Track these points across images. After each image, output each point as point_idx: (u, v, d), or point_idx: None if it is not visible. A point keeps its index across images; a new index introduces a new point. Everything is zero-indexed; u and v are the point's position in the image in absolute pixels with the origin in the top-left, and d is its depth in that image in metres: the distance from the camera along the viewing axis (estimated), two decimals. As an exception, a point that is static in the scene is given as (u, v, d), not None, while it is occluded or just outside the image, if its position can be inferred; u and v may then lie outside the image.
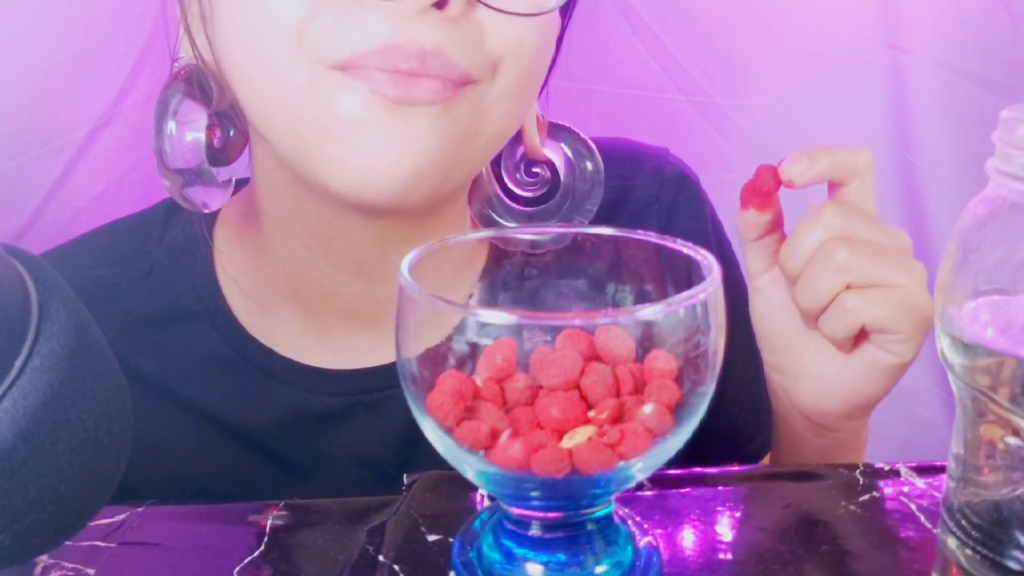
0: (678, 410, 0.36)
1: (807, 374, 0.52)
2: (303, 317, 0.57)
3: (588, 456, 0.34)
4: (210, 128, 0.52)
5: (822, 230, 0.47)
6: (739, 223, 0.50)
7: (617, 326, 0.37)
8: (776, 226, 0.50)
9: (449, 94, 0.44)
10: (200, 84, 0.51)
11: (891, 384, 0.50)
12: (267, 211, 0.55)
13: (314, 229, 0.53)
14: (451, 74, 0.44)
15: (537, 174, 0.58)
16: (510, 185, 0.58)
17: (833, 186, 0.49)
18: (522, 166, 0.58)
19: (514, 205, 0.58)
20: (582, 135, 0.58)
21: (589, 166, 0.57)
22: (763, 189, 0.48)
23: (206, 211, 0.52)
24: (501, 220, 0.58)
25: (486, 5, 0.45)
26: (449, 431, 0.35)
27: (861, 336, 0.48)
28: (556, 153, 0.58)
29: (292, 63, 0.44)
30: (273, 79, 0.46)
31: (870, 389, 0.50)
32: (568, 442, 0.34)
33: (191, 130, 0.50)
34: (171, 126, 0.49)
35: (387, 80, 0.43)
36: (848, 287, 0.46)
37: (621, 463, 0.34)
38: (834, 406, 0.51)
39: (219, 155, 0.52)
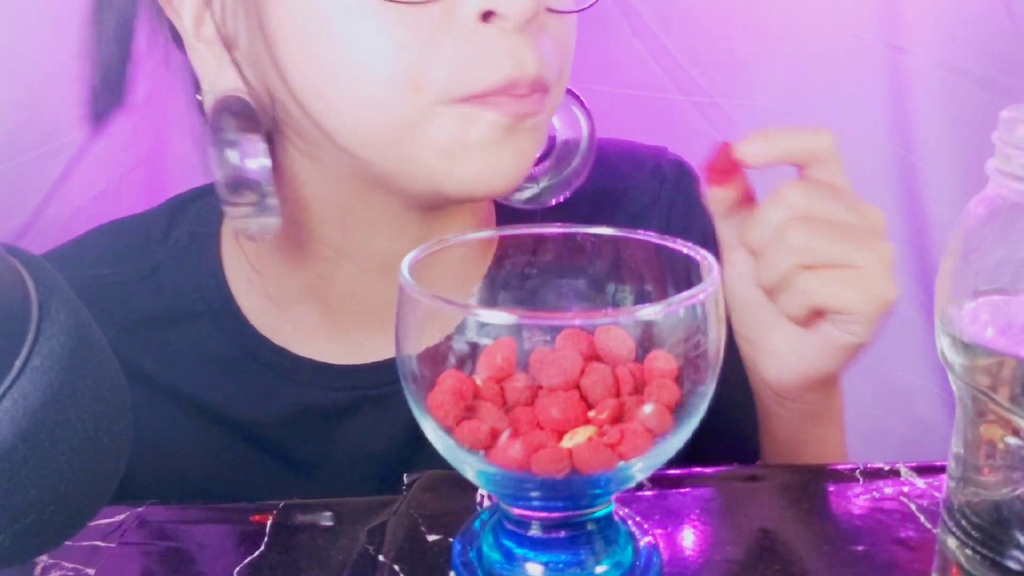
0: (678, 410, 0.36)
1: (770, 348, 0.52)
2: (319, 316, 0.57)
3: (588, 456, 0.34)
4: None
5: (783, 209, 0.47)
6: (707, 198, 0.51)
7: (617, 326, 0.37)
8: (747, 201, 0.50)
9: (540, 107, 0.48)
10: (243, 112, 0.50)
11: (848, 361, 0.50)
12: (299, 219, 0.55)
13: (353, 234, 0.54)
14: (544, 91, 0.48)
15: None
16: None
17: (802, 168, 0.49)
18: None
19: None
20: (574, 91, 0.58)
21: (582, 120, 0.58)
22: (720, 167, 0.48)
23: (268, 238, 0.51)
24: None
25: (553, 11, 0.48)
26: (449, 431, 0.35)
27: (820, 314, 0.48)
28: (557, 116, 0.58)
29: (408, 105, 0.46)
30: (384, 119, 0.47)
31: (828, 365, 0.50)
32: (568, 442, 0.34)
33: (251, 159, 0.49)
34: (233, 157, 0.49)
35: (508, 100, 0.46)
36: (806, 267, 0.46)
37: (621, 463, 0.34)
38: (792, 377, 0.52)
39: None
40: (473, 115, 0.46)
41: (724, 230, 0.52)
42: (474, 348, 0.37)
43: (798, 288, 0.46)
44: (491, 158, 0.48)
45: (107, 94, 0.54)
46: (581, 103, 0.58)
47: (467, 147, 0.47)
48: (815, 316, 0.48)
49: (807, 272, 0.46)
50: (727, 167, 0.48)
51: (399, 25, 0.45)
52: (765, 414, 0.57)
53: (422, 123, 0.46)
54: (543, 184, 0.58)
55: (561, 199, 0.58)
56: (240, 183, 0.49)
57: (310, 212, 0.54)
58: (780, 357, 0.52)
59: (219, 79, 0.50)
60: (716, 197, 0.50)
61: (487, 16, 0.45)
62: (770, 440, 0.58)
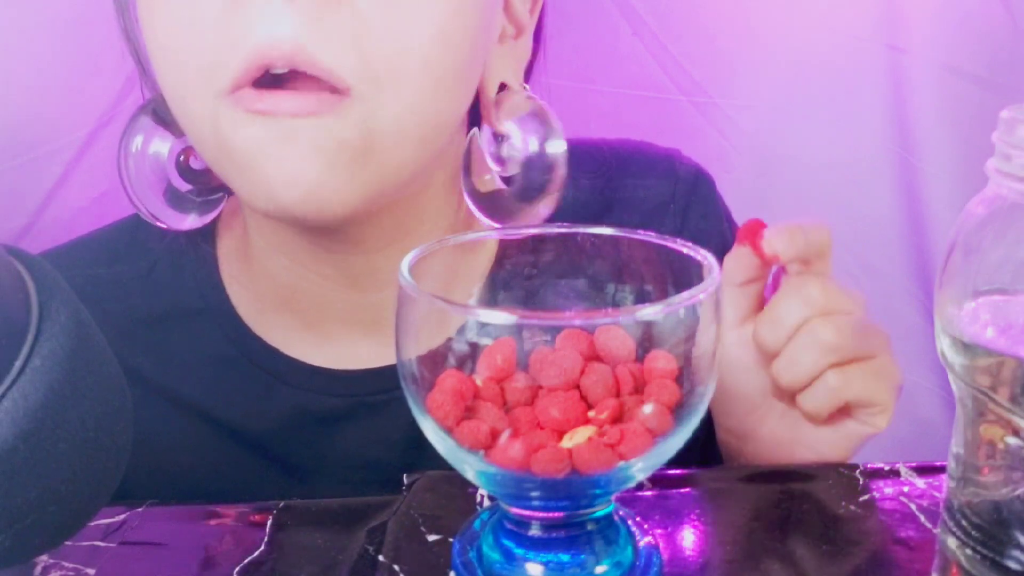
0: (678, 410, 0.36)
1: (768, 440, 0.51)
2: (300, 324, 0.57)
3: (588, 456, 0.34)
4: (189, 149, 0.54)
5: (805, 306, 0.46)
6: (728, 262, 0.49)
7: (617, 326, 0.37)
8: (761, 276, 0.49)
9: (322, 108, 0.43)
10: (160, 111, 0.52)
11: (859, 450, 0.49)
12: (250, 224, 0.56)
13: (296, 241, 0.54)
14: (320, 75, 0.42)
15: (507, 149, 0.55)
16: (488, 161, 0.55)
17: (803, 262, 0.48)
18: (495, 141, 0.55)
19: (500, 184, 0.56)
20: (547, 112, 0.54)
21: (551, 144, 0.54)
22: (750, 240, 0.48)
23: (178, 230, 0.54)
24: (485, 201, 0.56)
25: None
26: (449, 431, 0.35)
27: (844, 410, 0.48)
28: (520, 129, 0.54)
29: (197, 99, 0.45)
30: (187, 117, 0.47)
31: (836, 454, 0.49)
32: (568, 442, 0.34)
33: (155, 149, 0.51)
34: (137, 142, 0.51)
35: (254, 95, 0.43)
36: (835, 364, 0.46)
37: (621, 463, 0.34)
38: (786, 460, 0.51)
39: (201, 176, 0.54)
40: (235, 116, 0.43)
41: (727, 304, 0.49)
42: (474, 348, 0.37)
43: (828, 385, 0.46)
44: (264, 166, 0.44)
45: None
46: (545, 115, 0.54)
47: (241, 152, 0.44)
48: (839, 412, 0.48)
49: (834, 368, 0.46)
50: (754, 243, 0.48)
51: (183, 12, 0.43)
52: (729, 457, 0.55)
53: (212, 123, 0.44)
54: (516, 204, 0.55)
55: (543, 215, 0.55)
56: (138, 172, 0.51)
57: (254, 221, 0.55)
58: (777, 446, 0.51)
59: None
60: (739, 260, 0.48)
61: None
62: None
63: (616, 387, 0.36)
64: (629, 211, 0.62)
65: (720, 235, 0.63)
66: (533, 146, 0.54)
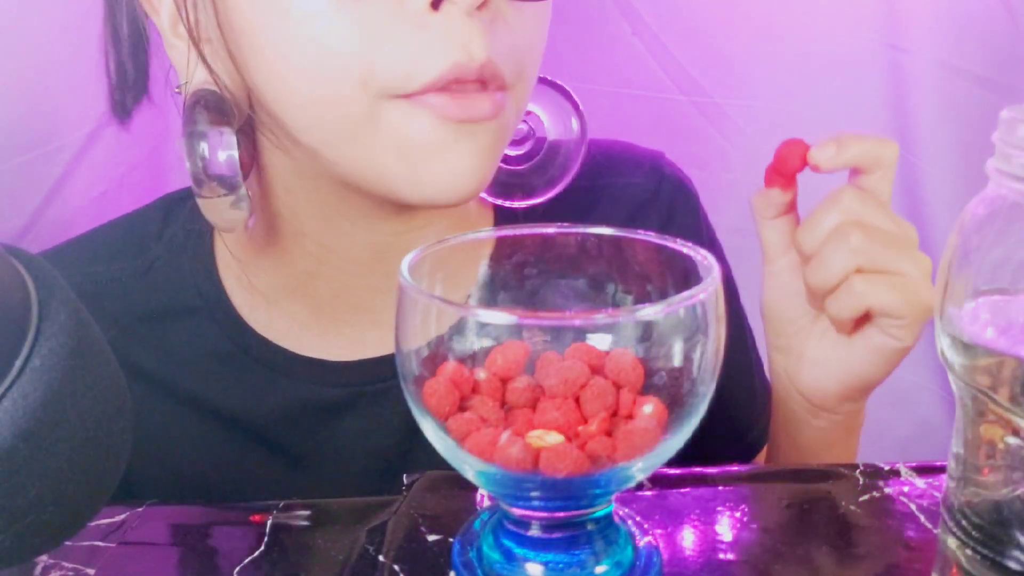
0: (678, 410, 0.36)
1: (810, 357, 0.53)
2: (309, 313, 0.57)
3: (593, 456, 0.34)
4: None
5: (839, 213, 0.48)
6: (757, 202, 0.52)
7: (629, 353, 0.36)
8: (792, 206, 0.52)
9: (500, 107, 0.47)
10: (215, 106, 0.50)
11: (890, 368, 0.51)
12: (280, 212, 0.55)
13: (335, 226, 0.54)
14: (499, 84, 0.46)
15: (521, 130, 0.59)
16: None
17: (854, 172, 0.51)
18: None
19: (504, 166, 0.58)
20: (566, 88, 0.58)
21: (573, 120, 0.58)
22: (788, 169, 0.50)
23: (247, 228, 0.53)
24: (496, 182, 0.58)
25: None
26: (442, 420, 0.35)
27: (864, 320, 0.50)
28: (540, 107, 0.59)
29: (356, 100, 0.45)
30: (336, 114, 0.46)
31: (869, 372, 0.52)
32: (537, 440, 0.34)
33: (220, 151, 0.50)
34: (203, 149, 0.49)
35: (449, 102, 0.45)
36: (858, 271, 0.48)
37: (621, 463, 0.34)
38: (833, 387, 0.53)
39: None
40: (411, 113, 0.45)
41: (769, 236, 0.53)
42: (474, 349, 0.37)
43: (852, 290, 0.48)
44: (443, 160, 0.46)
45: (131, 88, 0.55)
46: (572, 100, 0.58)
47: (414, 147, 0.46)
48: (860, 321, 0.50)
49: (860, 275, 0.48)
50: (794, 170, 0.50)
51: (354, 22, 0.44)
52: (793, 424, 0.57)
53: (371, 119, 0.46)
54: (529, 183, 0.58)
55: (549, 197, 0.58)
56: (209, 175, 0.49)
57: (290, 206, 0.55)
58: (819, 365, 0.53)
59: (194, 73, 0.50)
60: (770, 200, 0.52)
61: (437, 4, 0.44)
62: (795, 451, 0.58)
63: (615, 406, 0.36)
64: (615, 206, 0.63)
65: (699, 234, 0.65)
66: (560, 131, 0.58)
